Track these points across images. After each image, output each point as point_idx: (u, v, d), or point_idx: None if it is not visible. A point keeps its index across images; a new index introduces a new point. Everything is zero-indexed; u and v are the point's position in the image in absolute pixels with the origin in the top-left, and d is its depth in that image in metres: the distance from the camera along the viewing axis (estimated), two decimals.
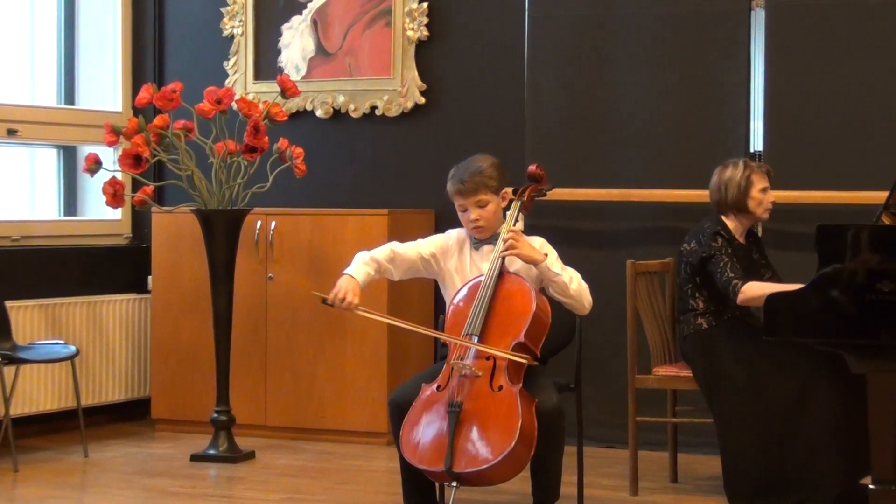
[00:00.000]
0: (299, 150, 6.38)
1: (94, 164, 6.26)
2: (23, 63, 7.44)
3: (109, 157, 6.88)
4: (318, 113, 7.23)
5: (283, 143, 6.42)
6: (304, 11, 7.28)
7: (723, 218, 5.52)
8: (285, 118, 6.46)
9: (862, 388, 4.76)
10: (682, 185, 6.38)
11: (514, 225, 4.91)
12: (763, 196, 5.51)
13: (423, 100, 7.04)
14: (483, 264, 4.90)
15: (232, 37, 7.41)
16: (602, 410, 6.50)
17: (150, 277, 7.20)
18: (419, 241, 5.06)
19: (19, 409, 6.58)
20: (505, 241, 4.80)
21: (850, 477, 5.10)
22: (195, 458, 6.32)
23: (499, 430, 4.51)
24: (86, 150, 7.11)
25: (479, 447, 4.52)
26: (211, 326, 6.43)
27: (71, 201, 7.48)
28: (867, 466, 4.83)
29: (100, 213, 7.36)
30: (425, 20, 7.03)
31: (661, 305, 5.75)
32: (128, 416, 7.33)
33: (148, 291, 7.26)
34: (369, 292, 4.88)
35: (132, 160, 6.13)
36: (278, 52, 7.33)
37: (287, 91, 6.42)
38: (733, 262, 5.33)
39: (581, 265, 5.12)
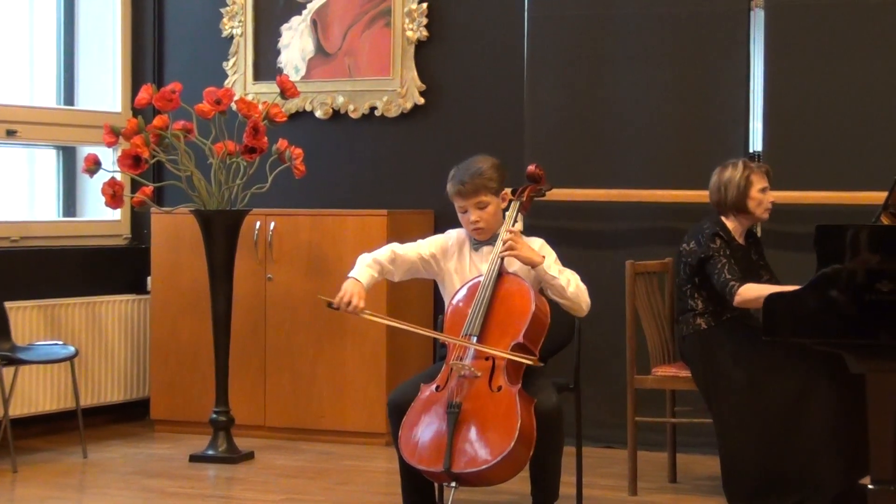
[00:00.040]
0: (298, 150, 6.38)
1: (94, 165, 6.26)
2: (22, 63, 7.44)
3: (109, 157, 6.88)
4: (318, 113, 7.23)
5: (282, 143, 6.42)
6: (304, 12, 7.27)
7: (722, 218, 5.52)
8: (284, 119, 6.46)
9: (861, 388, 4.75)
10: (682, 186, 6.38)
11: (514, 225, 4.91)
12: (762, 196, 5.51)
13: (422, 100, 7.04)
14: (483, 265, 4.90)
15: (231, 37, 7.40)
16: (601, 410, 6.49)
17: (149, 278, 7.20)
18: (419, 241, 5.07)
19: (18, 409, 6.58)
20: (504, 242, 4.80)
21: (850, 477, 5.11)
22: (194, 458, 6.31)
23: (498, 431, 4.51)
24: (85, 151, 7.11)
25: (478, 447, 4.52)
26: (210, 327, 6.43)
27: (70, 202, 7.48)
28: (866, 466, 4.83)
29: (99, 213, 7.35)
30: (425, 20, 7.03)
31: (661, 306, 5.75)
32: (127, 416, 7.32)
33: (147, 292, 7.26)
34: (369, 293, 4.88)
35: (131, 161, 6.13)
36: (278, 52, 7.33)
37: (286, 91, 6.42)
38: (731, 264, 5.33)
39: (580, 265, 5.13)
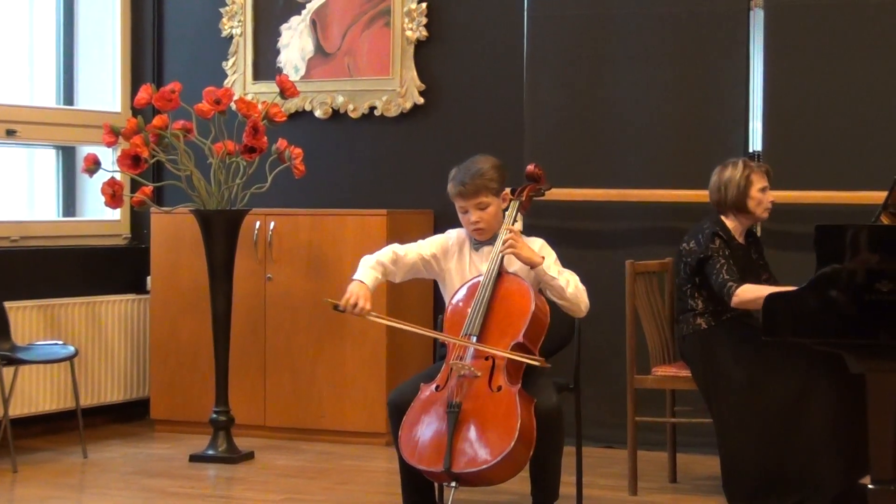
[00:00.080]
0: (298, 150, 6.38)
1: (93, 165, 6.26)
2: (22, 63, 7.44)
3: (108, 157, 6.88)
4: (317, 113, 7.23)
5: (281, 143, 6.42)
6: (303, 12, 7.27)
7: (722, 218, 5.52)
8: (284, 118, 6.46)
9: (861, 388, 4.75)
10: (682, 185, 6.38)
11: (513, 224, 4.91)
12: (762, 196, 5.51)
13: (421, 100, 7.04)
14: (483, 265, 4.90)
15: (231, 37, 7.40)
16: (601, 410, 6.49)
17: (149, 278, 7.20)
18: (419, 242, 5.07)
19: (18, 409, 6.58)
20: (504, 241, 4.80)
21: (850, 477, 5.11)
22: (194, 458, 6.31)
23: (498, 431, 4.51)
24: (85, 151, 7.11)
25: (478, 447, 4.52)
26: (210, 327, 6.43)
27: (70, 202, 7.48)
28: (866, 466, 4.83)
29: (99, 213, 7.35)
30: (424, 20, 7.02)
31: (660, 305, 5.75)
32: (127, 416, 7.32)
33: (147, 292, 7.26)
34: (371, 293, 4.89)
35: (131, 160, 6.13)
36: (277, 52, 7.33)
37: (286, 91, 6.42)
38: (730, 265, 5.33)
39: (580, 265, 5.13)
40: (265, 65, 7.34)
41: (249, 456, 6.37)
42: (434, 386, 4.71)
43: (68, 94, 7.54)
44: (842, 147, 6.26)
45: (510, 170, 5.10)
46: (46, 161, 7.45)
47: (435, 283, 5.20)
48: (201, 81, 6.71)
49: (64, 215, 7.45)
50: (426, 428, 4.62)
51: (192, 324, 6.96)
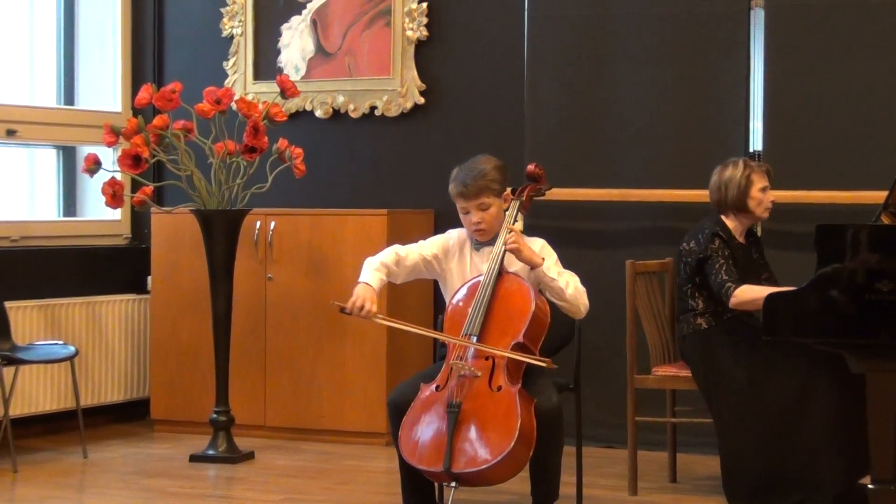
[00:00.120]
0: (299, 150, 6.38)
1: (94, 165, 6.26)
2: (22, 63, 7.43)
3: (109, 157, 6.88)
4: (318, 113, 7.23)
5: (282, 143, 6.42)
6: (304, 11, 7.27)
7: (722, 218, 5.51)
8: (285, 118, 6.46)
9: (862, 388, 4.75)
10: (682, 185, 6.38)
11: (514, 224, 4.91)
12: (763, 195, 5.51)
13: (422, 100, 7.04)
14: (483, 265, 4.90)
15: (231, 37, 7.41)
16: (601, 410, 6.49)
17: (149, 278, 7.20)
18: (420, 242, 5.07)
19: (18, 409, 6.58)
20: (506, 240, 4.80)
21: (850, 477, 5.10)
22: (194, 458, 6.31)
23: (498, 431, 4.51)
24: (85, 151, 7.10)
25: (478, 447, 4.52)
26: (210, 327, 6.43)
27: (70, 202, 7.48)
28: (867, 466, 4.83)
29: (99, 213, 7.35)
30: (425, 20, 7.02)
31: (661, 305, 5.75)
32: (127, 416, 7.32)
33: (147, 292, 7.26)
34: None
35: (131, 160, 6.13)
36: (278, 52, 7.33)
37: (286, 91, 6.42)
38: (729, 265, 5.33)
39: (580, 265, 5.13)
40: (266, 65, 7.34)
41: (249, 456, 6.37)
42: (434, 386, 4.70)
43: (69, 94, 7.54)
44: (842, 147, 6.26)
45: (511, 170, 5.10)
46: (47, 161, 7.45)
47: (435, 283, 5.20)
48: (202, 81, 6.71)
49: (64, 215, 7.45)
50: (426, 428, 4.62)
51: (192, 324, 6.96)
